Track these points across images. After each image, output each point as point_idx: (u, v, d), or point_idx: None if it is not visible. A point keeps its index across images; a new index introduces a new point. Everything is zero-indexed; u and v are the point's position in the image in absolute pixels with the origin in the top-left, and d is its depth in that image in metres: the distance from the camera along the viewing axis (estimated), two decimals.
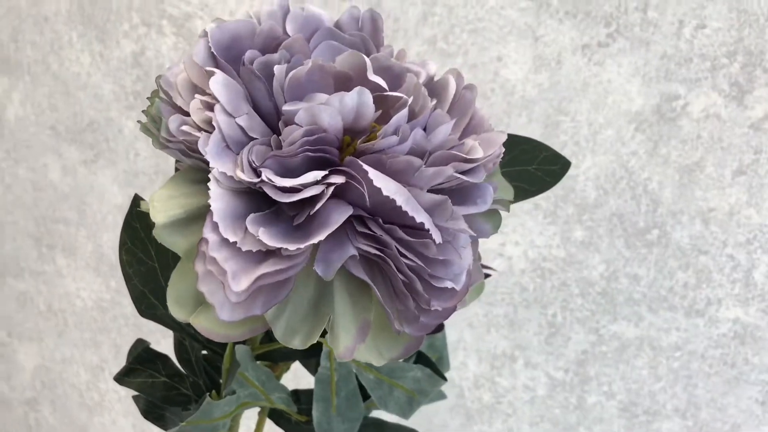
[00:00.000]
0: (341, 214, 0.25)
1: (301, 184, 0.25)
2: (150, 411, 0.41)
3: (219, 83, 0.26)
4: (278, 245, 0.24)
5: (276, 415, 0.42)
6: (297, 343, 0.28)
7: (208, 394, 0.35)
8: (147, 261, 0.36)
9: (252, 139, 0.26)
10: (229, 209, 0.25)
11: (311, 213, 0.25)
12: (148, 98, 0.28)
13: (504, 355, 0.67)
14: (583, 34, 0.54)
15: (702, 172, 0.55)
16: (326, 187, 0.25)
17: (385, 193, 0.25)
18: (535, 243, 0.61)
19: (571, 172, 0.58)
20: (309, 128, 0.26)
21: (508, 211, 0.31)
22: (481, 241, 0.69)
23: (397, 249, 0.26)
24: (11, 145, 0.82)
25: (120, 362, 0.88)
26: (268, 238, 0.24)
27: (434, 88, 0.31)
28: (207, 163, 0.26)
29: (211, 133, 0.26)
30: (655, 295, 0.60)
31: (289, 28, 0.30)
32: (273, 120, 0.28)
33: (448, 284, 0.27)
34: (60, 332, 0.91)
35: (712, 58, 0.52)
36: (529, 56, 0.56)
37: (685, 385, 0.63)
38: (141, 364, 0.40)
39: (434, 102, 0.30)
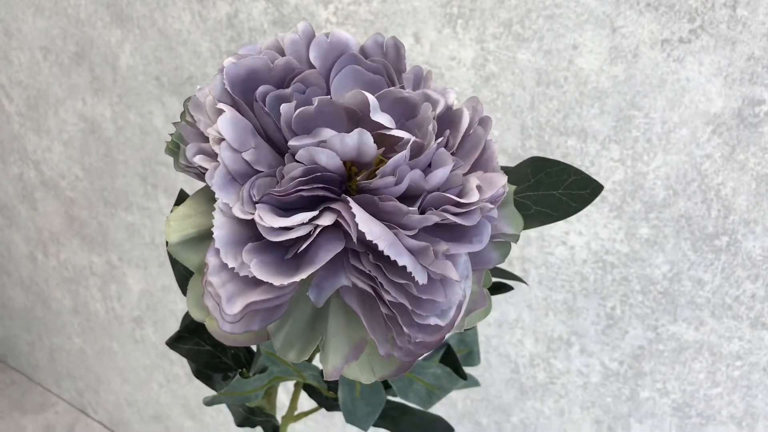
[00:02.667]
0: (328, 252, 0.27)
1: (289, 226, 0.26)
2: (200, 372, 0.46)
3: (226, 121, 0.28)
4: (266, 279, 0.26)
5: (309, 389, 0.45)
6: (292, 357, 0.30)
7: (238, 371, 0.39)
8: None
9: (257, 172, 0.28)
10: (231, 237, 0.28)
11: (298, 251, 0.27)
12: (175, 124, 0.31)
13: (560, 339, 0.67)
14: (663, 28, 0.52)
15: None
16: (314, 228, 0.27)
17: (368, 237, 0.26)
18: (599, 235, 0.61)
19: (641, 169, 0.57)
20: (308, 167, 0.27)
21: (516, 242, 0.32)
22: (545, 227, 0.69)
23: (382, 285, 0.28)
24: (123, 91, 0.88)
25: None
26: (258, 270, 0.27)
27: (450, 117, 0.31)
28: None
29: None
30: (720, 301, 0.58)
31: (312, 56, 0.31)
32: (282, 149, 0.29)
33: (432, 321, 0.28)
34: (161, 263, 1.00)
35: None
36: (606, 47, 0.54)
37: (744, 395, 0.61)
38: (189, 333, 0.44)
39: (447, 133, 0.31)
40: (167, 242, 0.29)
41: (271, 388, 0.46)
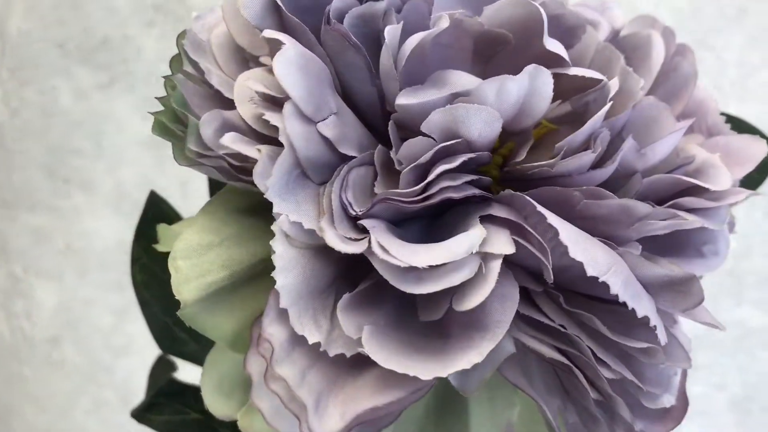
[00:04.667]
0: (506, 306, 0.14)
1: (445, 263, 0.13)
2: None
3: (289, 63, 0.14)
4: (405, 370, 0.13)
5: None
6: None
7: None
8: (170, 282, 0.25)
9: (345, 159, 0.15)
10: (306, 285, 0.15)
11: (455, 308, 0.14)
12: (167, 77, 0.17)
13: None
14: None
15: None
16: (481, 264, 0.14)
17: (592, 271, 0.13)
18: None
19: None
20: (447, 146, 0.14)
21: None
22: None
23: (593, 352, 0.15)
24: (16, 63, 0.71)
25: None
26: (378, 345, 0.14)
27: (624, 48, 0.19)
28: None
29: (275, 149, 0.15)
30: None
31: None
32: (374, 117, 0.16)
33: (666, 401, 0.16)
34: (81, 272, 0.83)
35: None
36: None
37: None
38: (165, 398, 0.30)
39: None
40: (179, 301, 0.15)
41: None
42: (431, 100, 0.15)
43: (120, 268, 0.81)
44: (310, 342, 0.14)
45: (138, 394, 0.92)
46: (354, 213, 0.14)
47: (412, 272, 0.13)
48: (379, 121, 0.16)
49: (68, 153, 0.74)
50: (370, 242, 0.14)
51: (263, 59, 0.17)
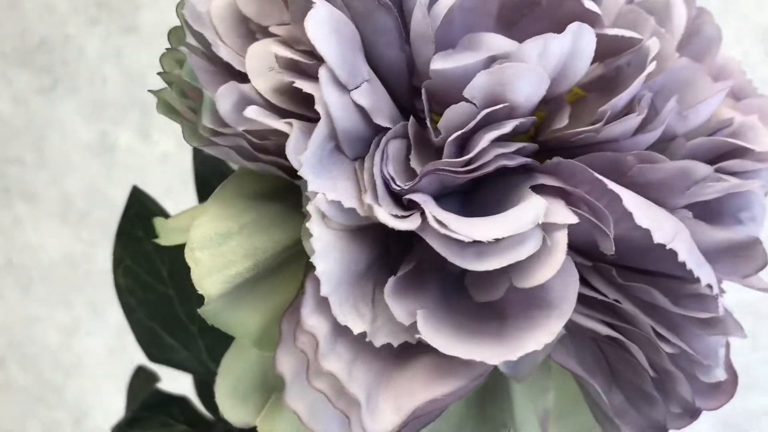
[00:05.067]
0: (569, 282, 0.13)
1: (510, 235, 0.12)
2: None
3: (322, 24, 0.13)
4: (469, 355, 0.12)
5: None
6: None
7: None
8: (156, 285, 0.23)
9: (378, 131, 0.14)
10: (346, 270, 0.13)
11: (517, 285, 0.13)
12: (168, 50, 0.15)
13: None
14: None
15: None
16: (547, 235, 0.13)
17: (658, 238, 0.12)
18: None
19: None
20: (492, 111, 0.13)
21: None
22: None
23: (653, 329, 0.14)
24: None
25: (100, 322, 0.77)
26: (440, 339, 0.12)
27: (650, 9, 0.18)
28: (290, 170, 0.13)
29: (299, 119, 0.13)
30: None
31: None
32: (399, 87, 0.15)
33: (719, 374, 0.15)
34: (24, 287, 0.79)
35: None
36: None
37: None
38: (149, 410, 0.28)
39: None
40: (203, 297, 0.14)
41: None
42: (469, 63, 0.14)
43: (67, 283, 0.77)
44: (356, 332, 0.13)
45: (91, 414, 0.89)
46: (398, 188, 0.13)
47: (472, 248, 0.12)
48: (404, 91, 0.15)
49: (7, 162, 0.70)
50: (423, 217, 0.12)
51: (273, 29, 0.15)
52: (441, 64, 0.14)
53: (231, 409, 0.17)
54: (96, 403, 0.86)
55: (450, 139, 0.13)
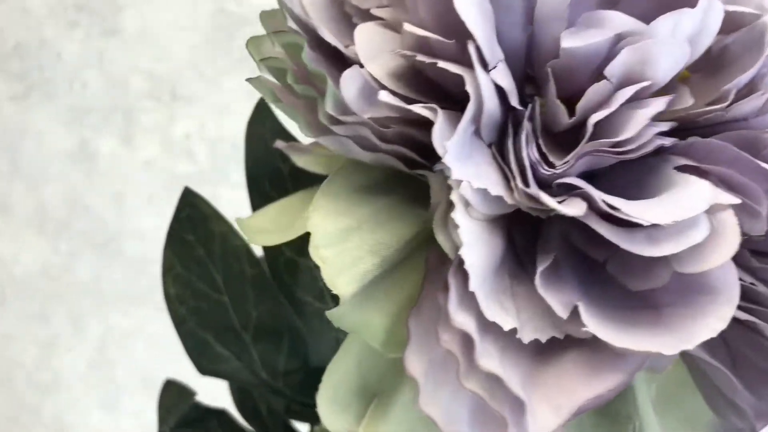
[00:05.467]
0: (728, 264, 0.12)
1: (685, 219, 0.11)
2: None
3: (471, 3, 0.12)
4: (644, 347, 0.11)
5: None
6: None
7: None
8: (210, 293, 0.22)
9: (510, 113, 0.13)
10: (490, 263, 0.13)
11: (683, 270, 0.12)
12: (267, 34, 0.14)
13: None
14: None
15: None
16: (713, 217, 0.12)
17: None
18: None
19: None
20: (643, 87, 0.13)
21: None
22: None
23: None
24: None
25: (80, 337, 0.74)
26: (607, 331, 0.12)
27: None
28: (408, 160, 0.13)
29: (437, 105, 0.12)
30: None
31: None
32: (517, 70, 0.14)
33: None
34: None
35: None
36: None
37: None
38: (188, 425, 0.27)
39: None
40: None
41: None
42: (599, 41, 0.13)
43: (44, 296, 0.74)
44: (506, 328, 0.12)
45: None
46: (547, 172, 0.12)
47: (642, 233, 0.12)
48: (519, 75, 0.14)
49: None
50: (589, 201, 0.12)
51: (376, 11, 0.15)
52: (571, 42, 0.13)
53: (330, 418, 0.16)
54: (76, 422, 0.83)
55: (596, 119, 0.12)
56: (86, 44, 0.58)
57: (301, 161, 0.19)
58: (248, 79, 0.15)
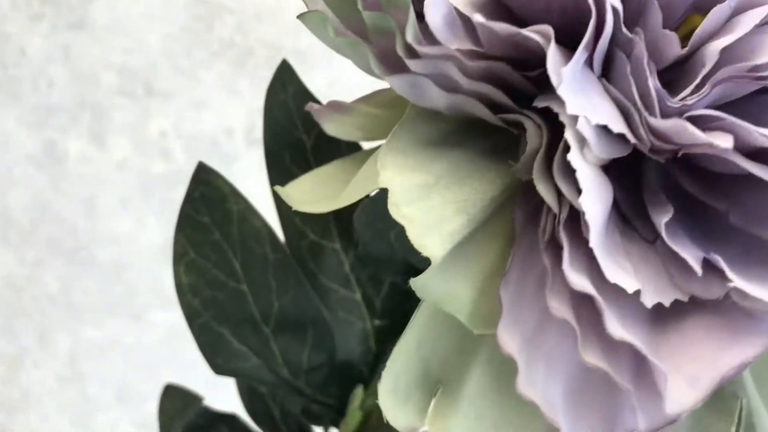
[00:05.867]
0: None
1: None
2: None
3: None
4: None
5: None
6: None
7: None
8: (227, 281, 0.20)
9: (619, 40, 0.11)
10: (606, 216, 0.11)
11: None
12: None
13: None
14: None
15: None
16: None
17: None
18: None
19: None
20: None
21: None
22: None
23: None
24: None
25: (49, 351, 0.71)
26: (756, 287, 0.10)
27: None
28: (493, 104, 0.11)
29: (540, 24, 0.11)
30: None
31: None
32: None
33: None
34: None
35: None
36: None
37: None
38: (200, 430, 0.24)
39: None
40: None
41: None
42: None
43: (9, 310, 0.71)
44: (630, 290, 0.10)
45: None
46: (676, 104, 0.10)
47: None
48: None
49: None
50: (735, 134, 0.10)
51: None
52: None
53: (393, 412, 0.14)
54: None
55: (724, 44, 0.11)
56: (52, 38, 0.55)
57: (334, 127, 0.17)
58: (299, 16, 0.12)
